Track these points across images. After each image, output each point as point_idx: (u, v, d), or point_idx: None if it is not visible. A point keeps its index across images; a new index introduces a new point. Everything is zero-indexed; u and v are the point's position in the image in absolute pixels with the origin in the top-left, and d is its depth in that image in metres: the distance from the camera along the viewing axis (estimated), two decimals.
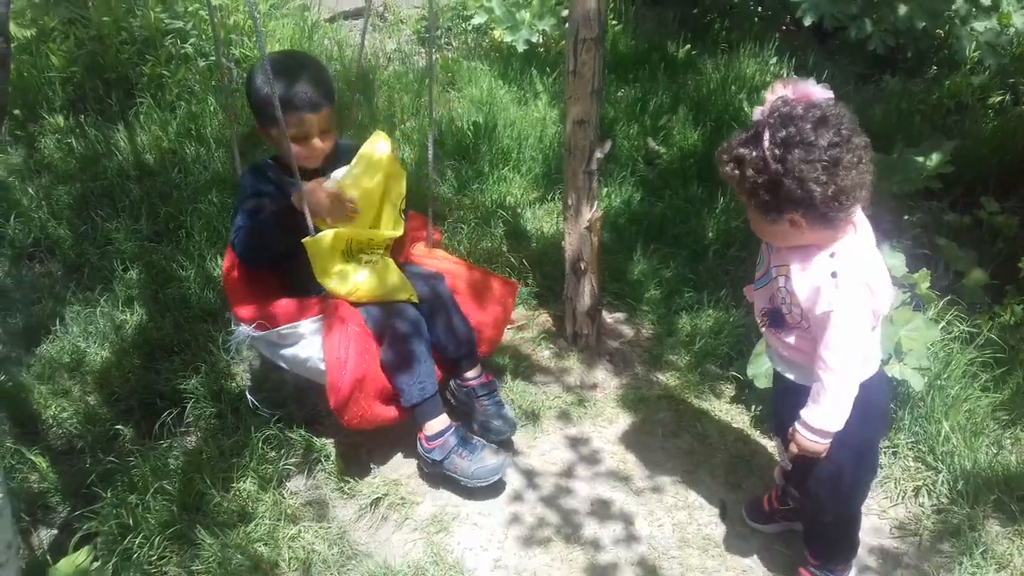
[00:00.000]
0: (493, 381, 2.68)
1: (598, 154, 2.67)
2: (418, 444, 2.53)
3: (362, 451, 2.68)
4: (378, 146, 2.50)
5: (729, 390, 2.91)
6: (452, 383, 2.69)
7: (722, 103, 4.23)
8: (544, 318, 3.18)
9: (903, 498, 2.52)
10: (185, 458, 2.54)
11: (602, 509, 2.51)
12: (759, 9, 4.82)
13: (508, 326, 2.87)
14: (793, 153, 1.71)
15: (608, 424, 2.80)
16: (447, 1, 5.03)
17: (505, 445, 2.65)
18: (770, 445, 2.69)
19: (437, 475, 2.53)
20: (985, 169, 3.76)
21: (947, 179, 3.52)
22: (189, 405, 2.72)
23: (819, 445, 1.94)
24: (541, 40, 4.59)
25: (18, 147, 3.96)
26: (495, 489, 2.52)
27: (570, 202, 2.77)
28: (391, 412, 2.49)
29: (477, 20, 4.57)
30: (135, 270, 3.26)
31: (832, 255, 1.85)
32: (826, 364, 1.86)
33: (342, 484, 2.55)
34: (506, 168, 3.83)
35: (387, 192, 2.54)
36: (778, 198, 1.76)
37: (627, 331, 3.16)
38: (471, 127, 4.00)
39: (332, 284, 2.42)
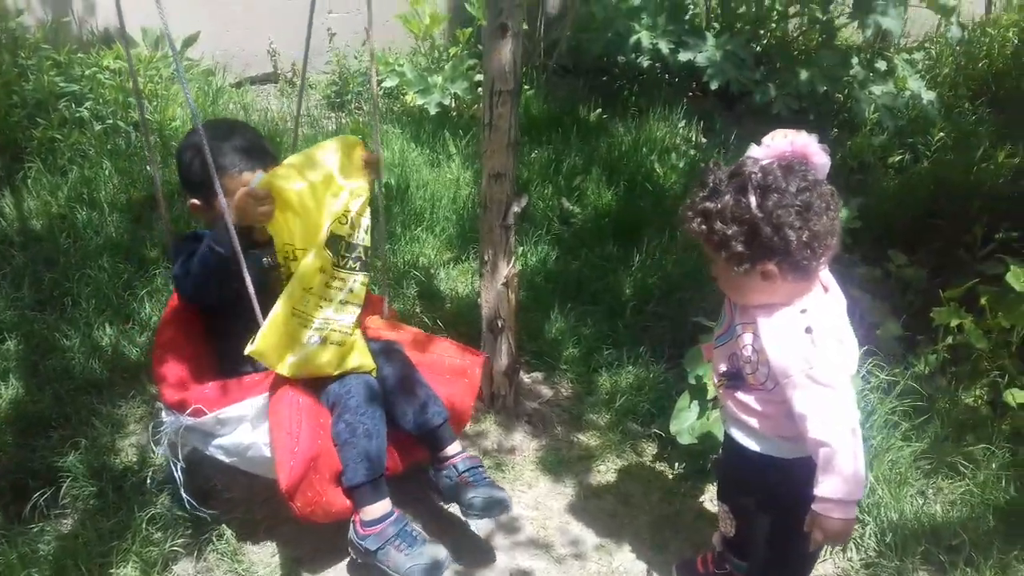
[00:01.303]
0: (478, 458, 2.45)
1: (515, 208, 2.59)
2: (351, 529, 2.25)
3: (260, 529, 2.47)
4: (331, 146, 2.24)
5: (651, 448, 2.80)
6: (432, 471, 2.43)
7: (634, 164, 4.24)
8: None
9: (831, 553, 2.42)
10: (58, 543, 2.29)
11: None
12: (667, 76, 4.90)
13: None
14: (770, 199, 1.68)
15: (527, 488, 2.65)
16: (357, 66, 4.98)
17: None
18: (695, 503, 2.59)
19: (366, 566, 2.28)
20: (891, 224, 3.83)
21: (856, 234, 3.56)
22: (65, 484, 2.47)
23: (846, 520, 1.75)
24: (453, 104, 4.55)
25: None
26: None
27: (487, 258, 2.67)
28: (348, 502, 2.24)
29: (388, 83, 4.51)
30: (13, 340, 3.01)
31: (803, 311, 1.77)
32: (823, 430, 1.72)
33: (236, 566, 2.33)
34: (419, 229, 3.72)
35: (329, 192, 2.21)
36: (752, 247, 1.70)
37: (546, 391, 3.04)
38: (383, 189, 3.90)
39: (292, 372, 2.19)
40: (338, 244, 2.23)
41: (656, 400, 2.89)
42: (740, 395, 1.91)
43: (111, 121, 4.06)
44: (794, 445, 1.86)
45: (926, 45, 5.50)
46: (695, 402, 2.61)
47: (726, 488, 2.19)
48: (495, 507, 2.29)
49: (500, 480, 2.66)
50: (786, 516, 1.91)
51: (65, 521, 2.42)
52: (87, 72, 4.20)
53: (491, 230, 2.62)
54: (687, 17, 4.77)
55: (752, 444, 1.93)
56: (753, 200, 1.69)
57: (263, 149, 2.33)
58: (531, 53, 5.01)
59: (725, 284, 1.83)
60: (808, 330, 1.74)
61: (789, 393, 1.77)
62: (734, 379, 1.92)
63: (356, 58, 5.07)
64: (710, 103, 4.83)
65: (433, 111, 4.35)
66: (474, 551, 2.43)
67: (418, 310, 3.28)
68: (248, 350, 2.10)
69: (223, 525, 2.41)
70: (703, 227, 1.75)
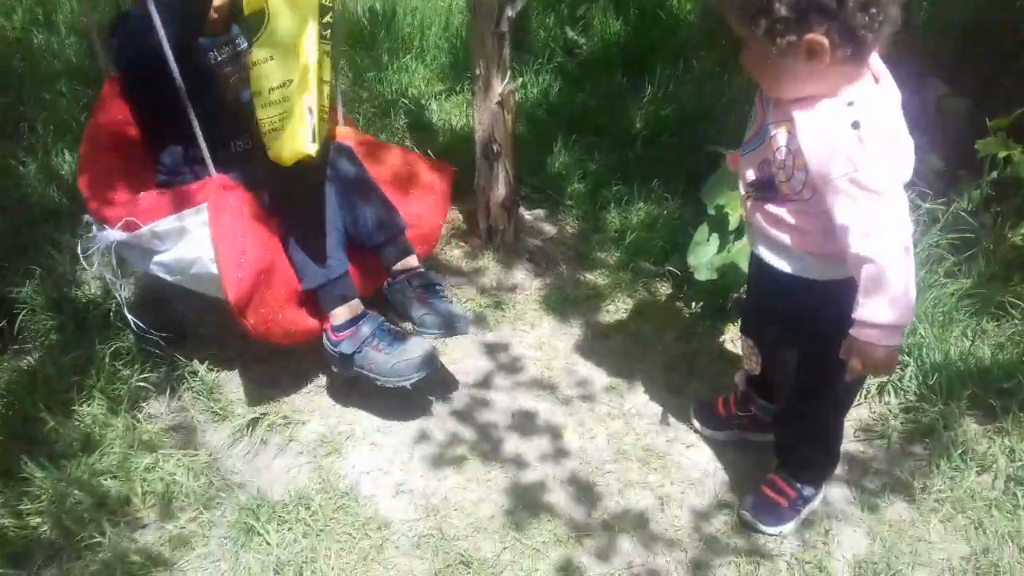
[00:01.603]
0: (431, 273, 2.19)
1: (509, 12, 2.25)
2: (323, 337, 2.05)
3: (237, 365, 2.25)
4: None
5: (665, 288, 2.56)
6: (385, 286, 2.20)
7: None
8: (453, 215, 2.77)
9: (866, 397, 2.22)
10: (14, 378, 2.07)
11: (525, 422, 2.14)
12: None
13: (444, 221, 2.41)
14: None
15: (530, 328, 2.42)
16: None
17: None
18: (715, 343, 2.37)
19: (349, 378, 2.09)
20: (929, 53, 3.48)
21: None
22: (21, 315, 2.22)
23: (888, 348, 1.50)
24: None
25: None
26: (403, 399, 2.11)
27: (479, 71, 2.35)
28: (310, 321, 2.03)
29: None
30: None
31: (850, 104, 1.46)
32: (868, 244, 1.44)
33: (212, 404, 2.12)
34: (408, 57, 3.38)
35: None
36: (798, 8, 1.37)
37: (549, 229, 2.78)
38: (367, 13, 3.53)
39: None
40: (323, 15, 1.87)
41: (670, 236, 2.63)
42: (771, 207, 1.63)
43: None
44: (832, 265, 1.59)
45: None
46: (715, 235, 2.35)
47: (752, 319, 1.95)
48: (450, 325, 2.07)
49: (500, 319, 2.43)
50: (820, 347, 1.67)
51: (23, 356, 2.19)
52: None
53: (482, 40, 2.29)
54: None
55: (783, 264, 1.66)
56: None
57: None
58: None
59: (759, 70, 1.51)
60: (855, 125, 1.44)
61: (829, 201, 1.48)
62: (764, 189, 1.63)
63: None
64: None
65: None
66: (468, 391, 2.22)
67: (408, 143, 2.98)
68: (313, 149, 1.79)
69: (195, 362, 2.19)
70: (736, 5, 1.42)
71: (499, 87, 2.35)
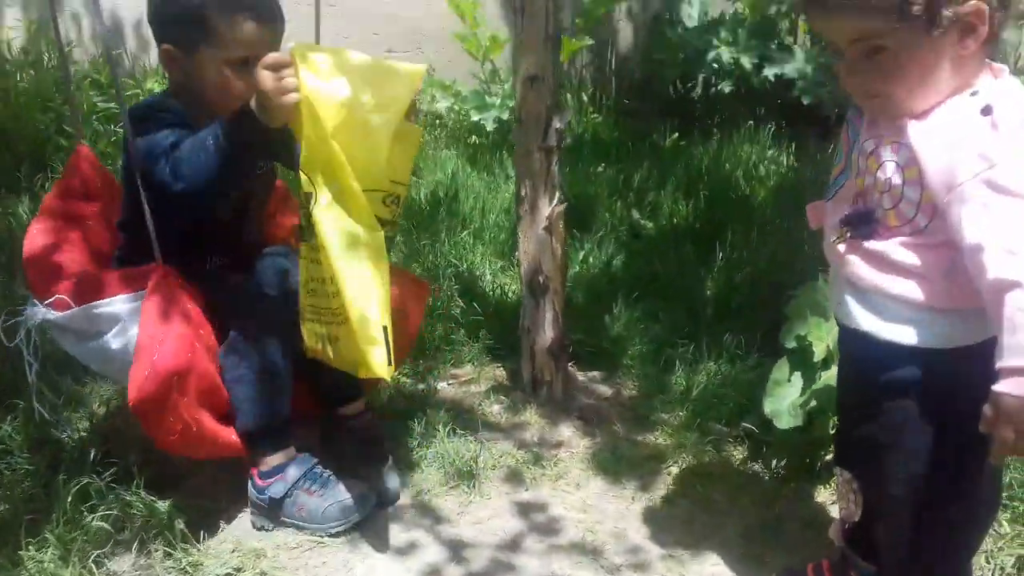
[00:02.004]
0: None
1: (556, 123, 2.09)
2: (249, 484, 1.84)
3: (220, 517, 1.90)
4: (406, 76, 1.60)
5: (739, 451, 2.14)
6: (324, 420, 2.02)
7: (715, 181, 3.70)
8: (497, 371, 2.47)
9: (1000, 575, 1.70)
10: None
11: None
12: (750, 96, 4.42)
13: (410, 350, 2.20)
14: None
15: (574, 488, 2.03)
16: None
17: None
18: (803, 510, 1.91)
19: (279, 527, 1.85)
20: None
21: None
22: None
23: None
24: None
25: None
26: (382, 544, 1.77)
27: (524, 193, 2.16)
28: (232, 436, 1.79)
29: (442, 104, 4.17)
30: None
31: (974, 93, 1.21)
32: (1012, 263, 1.11)
33: (183, 555, 1.76)
34: (465, 233, 3.25)
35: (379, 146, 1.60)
36: None
37: (604, 390, 2.44)
38: (428, 197, 3.48)
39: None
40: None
41: (744, 394, 2.24)
42: (873, 245, 1.29)
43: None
44: (960, 322, 1.25)
45: None
46: (797, 373, 1.97)
47: (846, 435, 1.54)
48: (381, 498, 1.90)
49: (539, 477, 2.05)
50: (945, 459, 1.28)
51: None
52: (128, 93, 3.99)
53: (528, 155, 2.12)
54: (774, 34, 4.32)
55: (890, 330, 1.29)
56: None
57: (280, 18, 1.81)
58: (603, 87, 4.64)
59: (896, 76, 1.21)
60: (986, 111, 1.16)
61: (955, 216, 1.16)
62: (862, 223, 1.31)
63: (417, 98, 4.78)
64: (801, 124, 4.30)
65: (490, 127, 3.96)
66: (493, 552, 1.80)
67: (454, 311, 2.74)
68: (390, 373, 1.64)
69: (175, 516, 1.86)
70: None
71: (546, 209, 2.14)
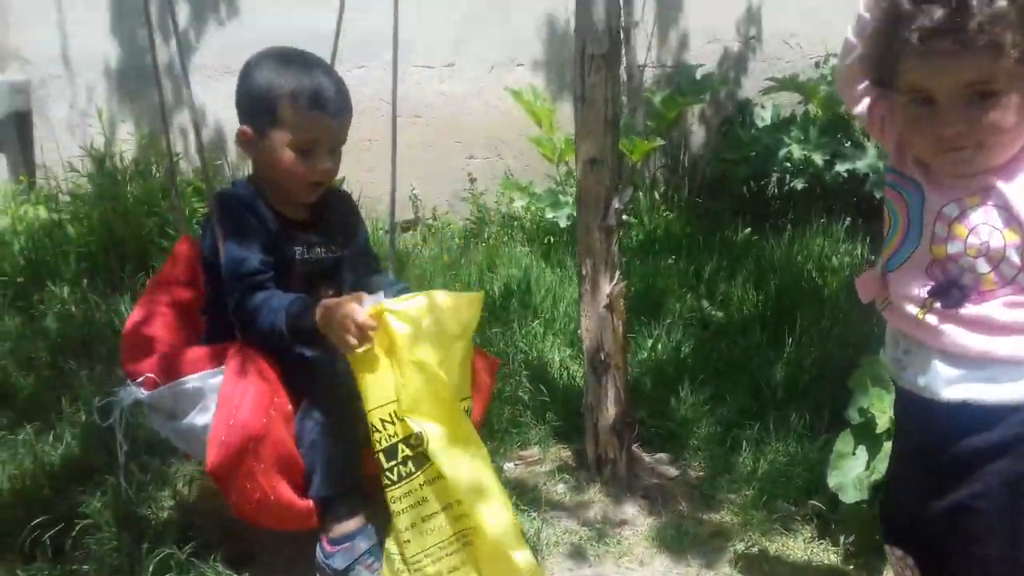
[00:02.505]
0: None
1: (616, 203, 2.18)
2: (318, 548, 1.88)
3: None
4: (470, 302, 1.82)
5: (807, 530, 2.11)
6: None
7: (787, 274, 3.72)
8: (563, 452, 2.50)
9: None
10: None
11: None
12: (823, 192, 4.45)
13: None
14: None
15: (638, 565, 2.03)
16: (495, 207, 4.85)
17: None
18: None
19: None
20: None
21: None
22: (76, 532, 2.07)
23: None
24: None
25: (14, 315, 3.68)
26: None
27: (585, 271, 2.24)
28: (306, 504, 1.84)
29: (519, 203, 4.33)
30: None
31: None
32: None
33: None
34: (536, 322, 3.33)
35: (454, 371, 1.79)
36: None
37: (670, 470, 2.43)
38: (501, 290, 3.59)
39: None
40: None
41: (812, 472, 2.22)
42: (970, 311, 1.29)
43: None
44: None
45: None
46: (861, 446, 1.96)
47: (905, 510, 1.51)
48: None
49: (603, 554, 2.06)
50: None
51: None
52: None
53: (589, 232, 2.21)
54: (845, 131, 4.38)
55: (997, 391, 1.28)
56: None
57: (347, 110, 1.99)
58: (675, 186, 4.75)
59: (1002, 122, 1.22)
60: None
61: None
62: (951, 293, 1.31)
63: (496, 201, 4.98)
64: (875, 217, 4.30)
65: (564, 224, 4.09)
66: None
67: (522, 394, 2.80)
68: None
69: None
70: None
71: (607, 287, 2.22)
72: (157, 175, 4.39)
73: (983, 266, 1.27)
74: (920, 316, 1.34)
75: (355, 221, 2.20)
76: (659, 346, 3.09)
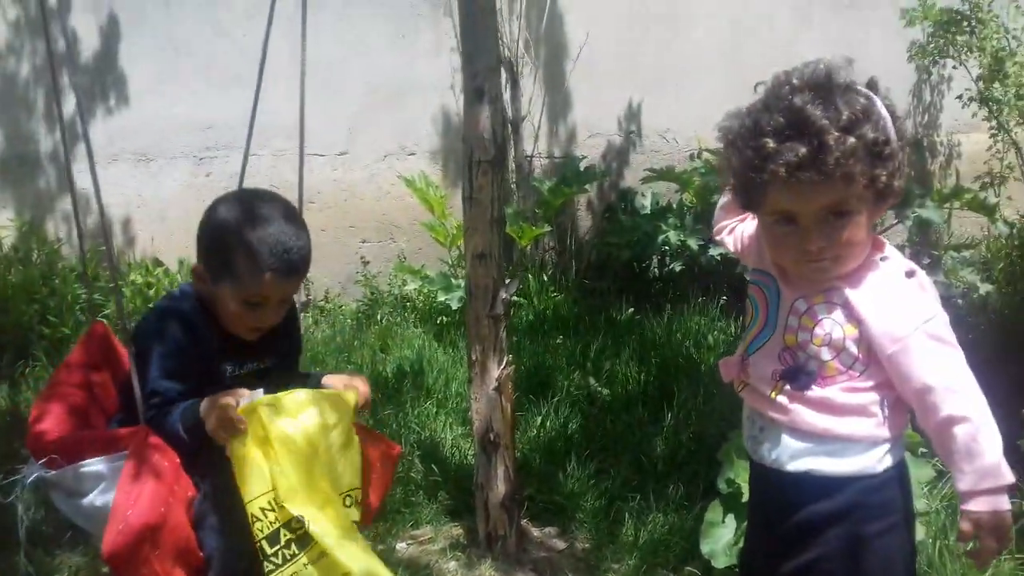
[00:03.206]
0: None
1: (503, 294, 2.32)
2: None
3: None
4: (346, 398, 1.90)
5: None
6: None
7: (667, 351, 3.94)
8: (455, 530, 2.57)
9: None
10: None
11: None
12: (699, 273, 4.74)
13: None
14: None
15: None
16: (388, 288, 4.94)
17: None
18: None
19: None
20: None
21: None
22: None
23: (1006, 510, 1.35)
24: None
25: None
26: None
27: (475, 357, 2.36)
28: None
29: (411, 286, 4.44)
30: None
31: (884, 258, 1.44)
32: (960, 401, 1.35)
33: None
34: (429, 403, 3.41)
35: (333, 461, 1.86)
36: (895, 161, 1.37)
37: (558, 544, 2.54)
38: (394, 371, 3.67)
39: None
40: None
41: (690, 539, 2.36)
42: (815, 393, 1.46)
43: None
44: (892, 446, 1.46)
45: (976, 241, 5.30)
46: (730, 515, 2.11)
47: (764, 574, 1.65)
48: None
49: None
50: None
51: None
52: (110, 285, 4.23)
53: (478, 321, 2.34)
54: None
55: (835, 464, 1.45)
56: (880, 106, 1.37)
57: (308, 247, 1.96)
58: (563, 268, 4.96)
59: (852, 239, 1.39)
60: (910, 274, 1.39)
61: (902, 363, 1.38)
62: (799, 376, 1.48)
63: (389, 284, 5.07)
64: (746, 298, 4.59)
65: (455, 306, 4.21)
66: None
67: (415, 475, 2.86)
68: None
69: None
70: (855, 142, 1.32)
71: (496, 371, 2.34)
72: (38, 262, 4.31)
73: (826, 354, 1.44)
74: (772, 396, 1.51)
75: (296, 337, 2.20)
76: (547, 423, 3.21)
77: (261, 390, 1.81)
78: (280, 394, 1.81)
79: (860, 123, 1.33)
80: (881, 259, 1.45)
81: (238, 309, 1.90)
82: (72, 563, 2.33)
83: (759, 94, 1.41)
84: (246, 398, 1.79)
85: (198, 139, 4.43)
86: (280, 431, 1.75)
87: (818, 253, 1.40)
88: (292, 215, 1.97)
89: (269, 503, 1.76)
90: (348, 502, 1.87)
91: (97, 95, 4.32)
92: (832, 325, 1.43)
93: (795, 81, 1.36)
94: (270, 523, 1.75)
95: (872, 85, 1.41)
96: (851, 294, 1.42)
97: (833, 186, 1.33)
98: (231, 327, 1.95)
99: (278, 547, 1.76)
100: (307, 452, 1.77)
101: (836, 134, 1.31)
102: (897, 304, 1.39)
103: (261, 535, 1.75)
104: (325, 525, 1.75)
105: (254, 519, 1.76)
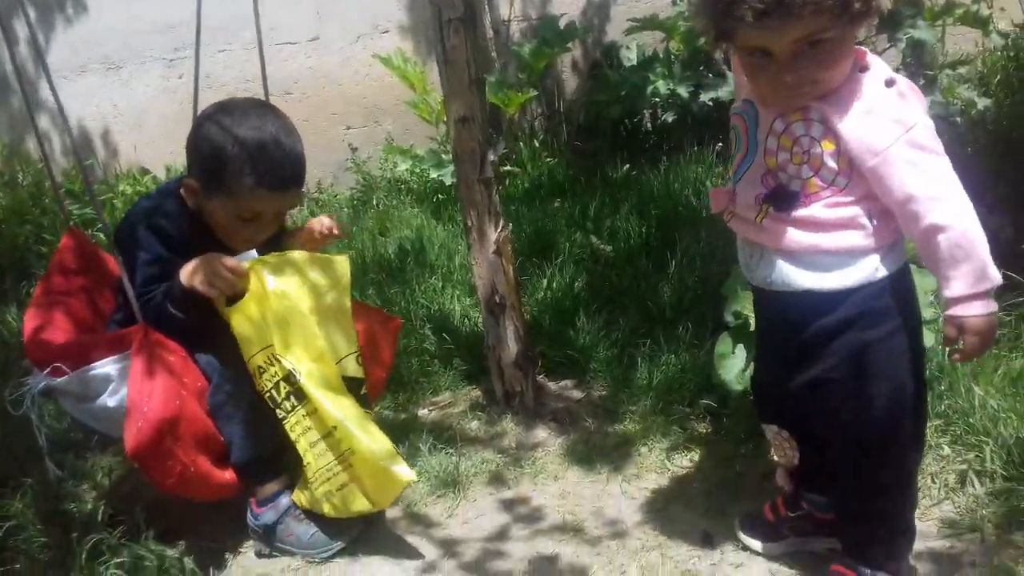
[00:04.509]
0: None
1: (491, 156, 2.29)
2: (248, 512, 1.98)
3: (227, 553, 2.03)
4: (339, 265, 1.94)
5: (702, 426, 2.29)
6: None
7: (668, 203, 3.90)
8: (473, 393, 2.62)
9: (946, 491, 1.84)
10: None
11: (545, 567, 1.84)
12: (692, 121, 4.65)
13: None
14: None
15: (552, 481, 2.17)
16: (379, 173, 4.89)
17: None
18: (761, 463, 2.05)
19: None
20: None
21: None
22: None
23: (989, 313, 1.36)
24: None
25: None
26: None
27: (470, 222, 2.34)
28: (227, 475, 1.92)
29: (402, 167, 4.39)
30: None
31: (862, 70, 1.40)
32: (943, 209, 1.33)
33: None
34: (434, 278, 3.42)
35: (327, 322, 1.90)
36: None
37: (575, 394, 2.58)
38: (396, 252, 3.66)
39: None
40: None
41: (703, 375, 2.40)
42: (800, 213, 1.45)
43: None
44: (889, 253, 1.45)
45: (971, 57, 5.17)
46: (739, 345, 2.14)
47: (772, 393, 1.68)
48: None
49: (520, 476, 2.20)
50: (883, 385, 1.48)
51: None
52: (102, 198, 4.20)
53: (469, 188, 2.31)
54: (705, 64, 4.58)
55: (831, 279, 1.45)
56: None
57: (303, 160, 1.94)
58: (553, 132, 4.88)
59: (827, 66, 1.37)
60: (890, 83, 1.36)
61: (884, 174, 1.36)
62: (782, 197, 1.47)
63: (380, 168, 5.01)
64: None
65: (449, 181, 4.16)
66: (482, 544, 1.93)
67: (428, 332, 2.90)
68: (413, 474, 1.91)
69: (184, 558, 1.98)
70: None
71: (493, 235, 2.33)
72: (25, 183, 4.27)
73: (807, 171, 1.43)
74: (758, 220, 1.51)
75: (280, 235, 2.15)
76: (553, 284, 3.23)
77: (254, 251, 1.82)
78: (276, 253, 1.83)
79: None
80: (860, 70, 1.41)
81: (232, 224, 1.90)
82: (104, 464, 2.38)
83: None
84: (238, 258, 1.81)
85: (165, 40, 4.30)
86: (277, 286, 1.80)
87: (796, 82, 1.38)
88: (285, 127, 1.91)
89: (269, 358, 1.82)
90: (359, 361, 1.94)
91: (54, 5, 4.17)
92: (809, 142, 1.42)
93: None
94: (271, 376, 1.83)
95: None
96: (827, 108, 1.39)
97: (803, 20, 1.30)
98: (225, 240, 1.94)
99: (282, 398, 1.84)
100: (302, 308, 1.83)
101: None
102: (875, 115, 1.36)
103: (266, 388, 1.84)
104: (314, 381, 1.82)
105: (258, 372, 1.84)
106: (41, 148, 2.38)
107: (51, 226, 3.95)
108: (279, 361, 1.82)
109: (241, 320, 1.83)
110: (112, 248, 1.98)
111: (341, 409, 1.83)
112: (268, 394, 1.86)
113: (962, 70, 4.90)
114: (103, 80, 4.28)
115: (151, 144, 4.40)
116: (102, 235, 3.53)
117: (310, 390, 1.82)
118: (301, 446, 1.87)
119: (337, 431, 1.83)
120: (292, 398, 1.84)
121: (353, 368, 1.94)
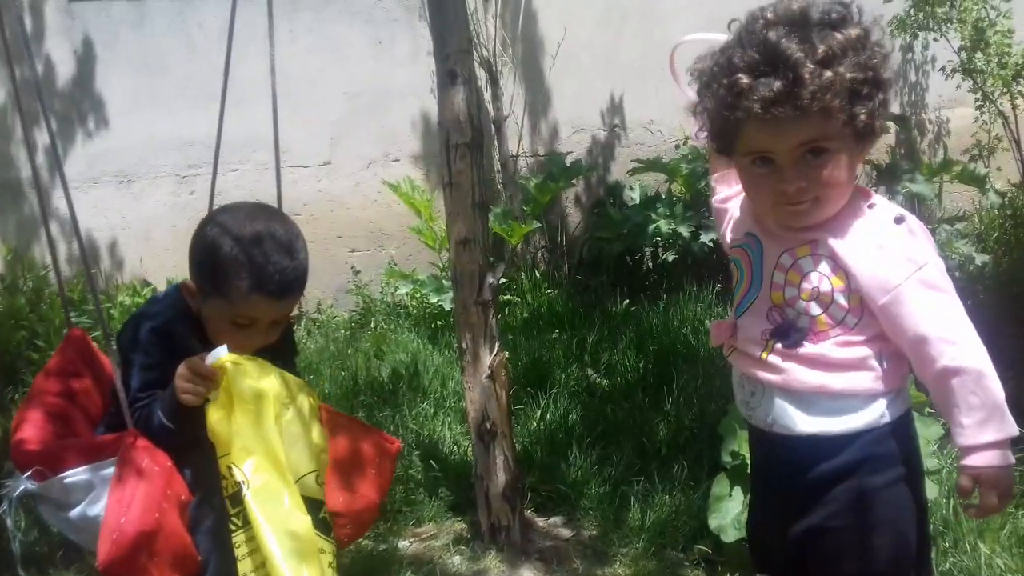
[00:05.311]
0: None
1: (490, 280, 2.28)
2: None
3: None
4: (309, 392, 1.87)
5: (696, 574, 2.18)
6: None
7: (666, 340, 3.89)
8: (457, 525, 2.52)
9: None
10: None
11: None
12: (692, 261, 4.70)
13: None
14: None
15: None
16: (380, 296, 4.91)
17: None
18: None
19: None
20: None
21: None
22: None
23: (1008, 465, 1.30)
24: None
25: None
26: None
27: (465, 345, 2.32)
28: None
29: (403, 290, 4.40)
30: None
31: (871, 205, 1.39)
32: (957, 351, 1.29)
33: None
34: (426, 403, 3.37)
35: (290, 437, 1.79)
36: (880, 88, 1.32)
37: (564, 532, 2.49)
38: (390, 375, 3.62)
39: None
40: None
41: (698, 518, 2.31)
42: (807, 350, 1.40)
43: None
44: (895, 398, 1.40)
45: (968, 213, 5.27)
46: (736, 488, 2.06)
47: (773, 543, 1.59)
48: None
49: None
50: (886, 536, 1.41)
51: None
52: (102, 307, 4.19)
53: (466, 309, 2.30)
54: (706, 205, 4.66)
55: (836, 423, 1.39)
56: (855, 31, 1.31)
57: (305, 267, 1.87)
58: (555, 265, 4.93)
59: (832, 180, 1.34)
60: (899, 220, 1.34)
61: (895, 313, 1.32)
62: (789, 333, 1.42)
63: (381, 291, 5.03)
64: None
65: (448, 307, 4.17)
66: None
67: (415, 473, 2.81)
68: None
69: None
70: (832, 74, 1.27)
71: (488, 359, 2.29)
72: (25, 289, 4.27)
73: (815, 308, 1.39)
74: (763, 357, 1.45)
75: (288, 338, 2.12)
76: (547, 415, 3.17)
77: (225, 347, 1.74)
78: (249, 356, 1.75)
79: (837, 58, 1.29)
80: (868, 206, 1.40)
81: (226, 329, 1.83)
82: None
83: (733, 32, 1.38)
84: (212, 356, 1.73)
85: (179, 158, 4.40)
86: (239, 387, 1.71)
87: (796, 194, 1.35)
88: (289, 231, 1.86)
89: (227, 467, 1.71)
90: (319, 481, 1.81)
91: (75, 119, 4.28)
92: (819, 278, 1.38)
93: (769, 16, 1.32)
94: (234, 483, 1.71)
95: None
96: (836, 244, 1.37)
97: (809, 121, 1.29)
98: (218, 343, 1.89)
99: (239, 509, 1.71)
100: (262, 414, 1.72)
101: (811, 67, 1.26)
102: (886, 252, 1.34)
103: (226, 493, 1.72)
104: (264, 498, 1.68)
105: (222, 476, 1.72)
106: (52, 254, 2.37)
107: (45, 333, 3.93)
108: (232, 473, 1.71)
109: (214, 419, 1.72)
110: (109, 349, 1.93)
111: (279, 541, 1.67)
112: (227, 500, 1.73)
113: (959, 226, 4.99)
114: (115, 192, 4.35)
115: (156, 257, 4.43)
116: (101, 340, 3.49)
117: (254, 514, 1.68)
118: (246, 566, 1.72)
119: (265, 567, 1.68)
120: (240, 517, 1.72)
121: (313, 489, 1.81)
